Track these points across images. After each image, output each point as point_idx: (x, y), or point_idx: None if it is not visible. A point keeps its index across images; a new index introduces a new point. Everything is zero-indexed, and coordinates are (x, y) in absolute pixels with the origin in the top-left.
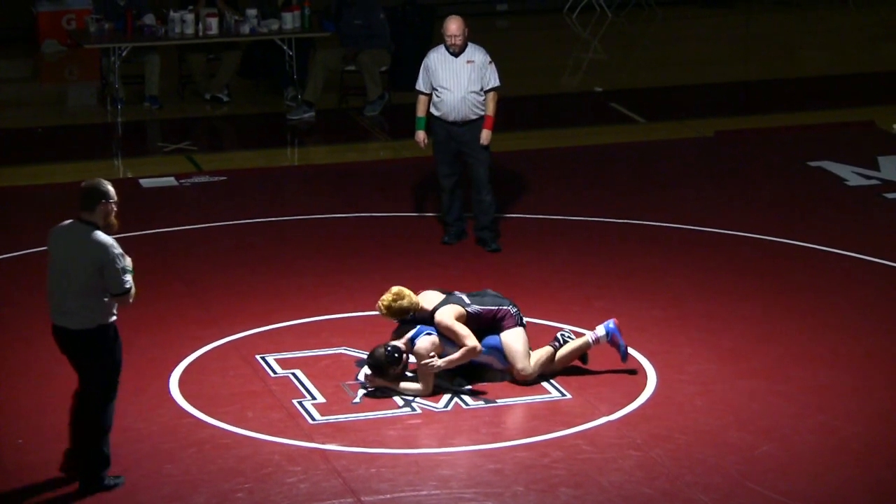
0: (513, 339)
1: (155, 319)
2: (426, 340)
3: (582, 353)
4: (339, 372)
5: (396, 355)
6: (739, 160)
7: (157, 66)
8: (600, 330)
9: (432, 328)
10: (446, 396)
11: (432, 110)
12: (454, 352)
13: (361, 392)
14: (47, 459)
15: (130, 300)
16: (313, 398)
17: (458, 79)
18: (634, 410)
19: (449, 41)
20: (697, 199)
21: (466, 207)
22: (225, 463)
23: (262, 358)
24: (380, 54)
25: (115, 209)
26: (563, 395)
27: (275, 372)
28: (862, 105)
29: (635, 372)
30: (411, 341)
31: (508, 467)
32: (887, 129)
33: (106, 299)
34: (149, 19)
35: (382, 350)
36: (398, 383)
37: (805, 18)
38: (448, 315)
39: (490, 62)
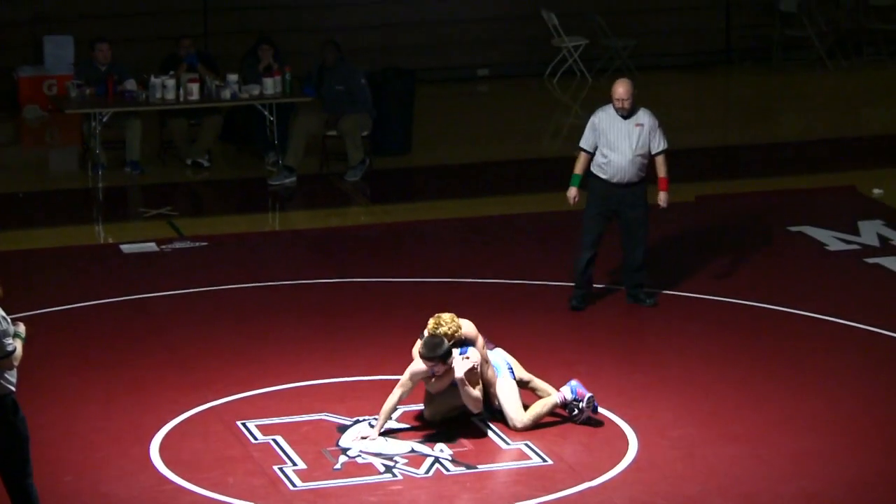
0: (506, 391)
1: (136, 384)
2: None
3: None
4: (321, 438)
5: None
6: (720, 225)
7: (139, 131)
8: (567, 393)
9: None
10: (427, 462)
11: (596, 170)
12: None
13: (343, 458)
14: None
15: (15, 363)
16: (294, 464)
17: (627, 142)
18: (616, 476)
19: (617, 104)
20: (678, 263)
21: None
22: None
23: (243, 424)
24: (361, 119)
25: None
26: (545, 460)
27: (256, 438)
28: (843, 170)
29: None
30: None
31: None
32: (868, 193)
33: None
34: (130, 84)
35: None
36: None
37: (785, 83)
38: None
39: (659, 125)
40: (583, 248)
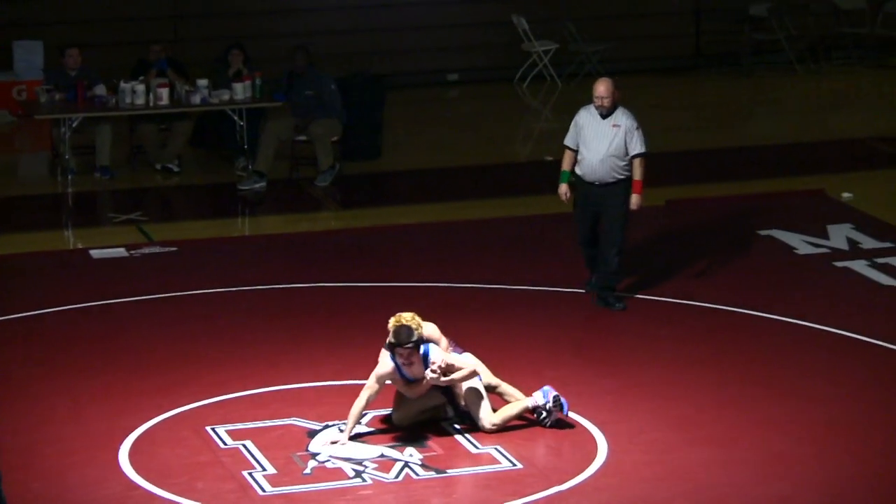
0: (472, 394)
1: (105, 390)
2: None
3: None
4: (290, 443)
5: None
6: (690, 229)
7: (108, 136)
8: (539, 398)
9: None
10: (397, 466)
11: (576, 168)
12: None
13: (312, 463)
14: None
15: None
16: (264, 469)
17: (601, 141)
18: (585, 480)
19: (597, 102)
20: (648, 267)
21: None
22: None
23: (213, 429)
24: (331, 124)
25: None
26: (514, 464)
27: (225, 443)
28: (812, 173)
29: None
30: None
31: None
32: (837, 197)
33: None
34: (100, 90)
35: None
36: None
37: (755, 87)
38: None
39: (637, 128)
40: (581, 246)
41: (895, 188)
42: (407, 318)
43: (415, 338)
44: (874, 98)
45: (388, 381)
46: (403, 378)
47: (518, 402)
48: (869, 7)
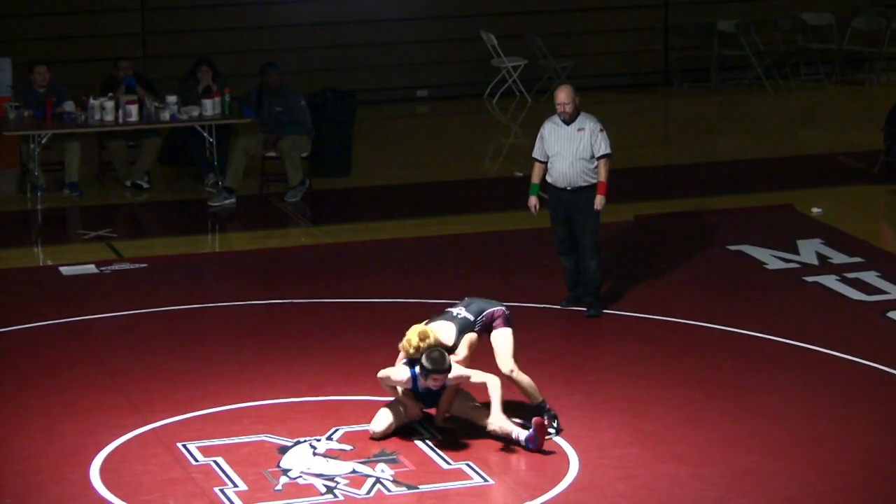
0: (501, 338)
1: (75, 407)
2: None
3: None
4: (262, 459)
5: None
6: (659, 244)
7: (77, 152)
8: (522, 434)
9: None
10: (369, 482)
11: (547, 177)
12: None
13: (284, 480)
14: None
15: None
16: (235, 486)
17: (568, 146)
18: (556, 496)
19: (559, 109)
20: (617, 283)
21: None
22: None
23: (184, 445)
24: (300, 140)
25: None
26: (486, 480)
27: (196, 459)
28: (781, 189)
29: (554, 452)
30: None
31: None
32: (807, 212)
33: None
34: (68, 106)
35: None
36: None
37: (723, 103)
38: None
39: (601, 130)
40: (560, 257)
41: (864, 203)
42: (421, 334)
43: (448, 364)
44: (842, 113)
45: (390, 387)
46: (414, 391)
47: (506, 420)
48: (836, 23)
